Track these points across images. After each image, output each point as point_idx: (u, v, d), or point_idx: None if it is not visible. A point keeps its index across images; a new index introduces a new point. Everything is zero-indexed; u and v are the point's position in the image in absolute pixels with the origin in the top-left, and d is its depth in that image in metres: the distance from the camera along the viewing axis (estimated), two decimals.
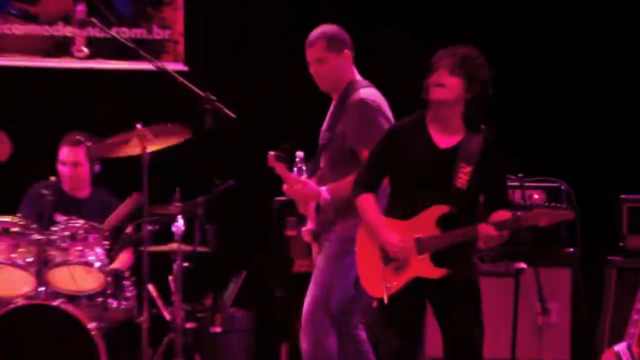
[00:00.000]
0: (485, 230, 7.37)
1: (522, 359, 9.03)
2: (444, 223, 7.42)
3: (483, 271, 8.92)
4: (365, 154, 8.03)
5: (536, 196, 9.34)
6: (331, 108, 8.59)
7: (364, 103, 8.26)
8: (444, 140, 7.51)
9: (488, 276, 8.91)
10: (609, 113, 10.96)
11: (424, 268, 7.47)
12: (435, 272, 7.45)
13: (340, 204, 7.99)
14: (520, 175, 9.18)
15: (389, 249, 7.47)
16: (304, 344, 8.43)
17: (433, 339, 8.86)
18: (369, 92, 8.35)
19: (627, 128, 10.92)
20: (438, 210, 7.43)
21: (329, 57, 8.36)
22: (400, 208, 7.59)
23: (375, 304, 7.92)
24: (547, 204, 8.17)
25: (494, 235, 7.38)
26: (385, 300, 7.53)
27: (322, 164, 8.54)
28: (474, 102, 7.54)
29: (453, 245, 7.46)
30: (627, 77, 10.99)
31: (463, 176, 7.46)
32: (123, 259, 9.91)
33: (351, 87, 8.43)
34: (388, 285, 7.53)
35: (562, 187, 9.36)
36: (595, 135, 10.95)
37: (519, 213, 7.61)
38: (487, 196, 7.63)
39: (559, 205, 7.95)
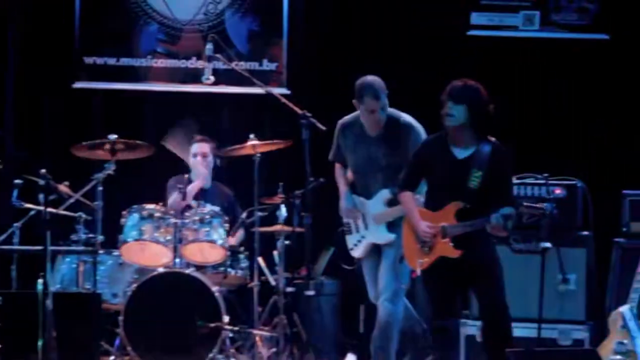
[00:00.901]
0: (494, 228, 7.85)
1: (546, 318, 9.03)
2: (460, 215, 7.94)
3: (517, 250, 9.30)
4: None
5: (558, 191, 9.36)
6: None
7: (414, 126, 8.88)
8: (461, 152, 8.03)
9: (521, 253, 9.30)
10: (614, 119, 10.86)
11: (446, 249, 7.98)
12: (455, 253, 7.95)
13: None
14: (545, 174, 9.31)
15: (419, 233, 8.05)
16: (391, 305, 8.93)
17: None
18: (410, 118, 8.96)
19: (628, 133, 10.76)
20: (456, 206, 7.97)
21: (385, 104, 8.88)
22: (432, 203, 8.13)
23: (414, 274, 8.31)
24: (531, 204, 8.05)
25: (498, 227, 7.86)
26: (418, 272, 8.07)
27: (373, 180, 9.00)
28: (482, 120, 8.02)
29: (468, 233, 7.93)
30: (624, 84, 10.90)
31: (475, 179, 7.96)
32: (238, 238, 10.29)
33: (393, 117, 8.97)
34: (420, 261, 8.06)
35: (579, 185, 9.44)
36: (604, 141, 10.76)
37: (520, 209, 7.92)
38: (494, 195, 7.94)
39: (536, 205, 8.03)
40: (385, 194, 8.94)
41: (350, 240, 9.28)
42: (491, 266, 8.16)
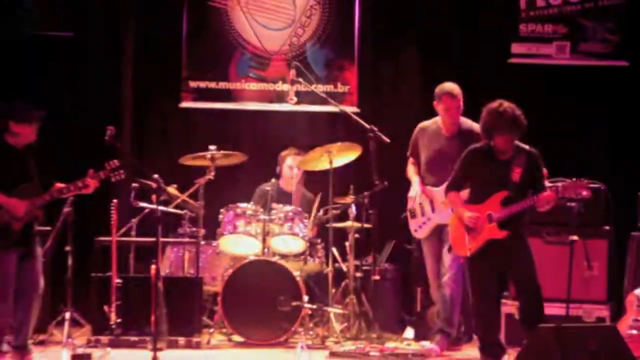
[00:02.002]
0: (546, 197, 8.03)
1: (574, 298, 8.95)
2: (505, 202, 8.08)
3: (549, 241, 9.35)
4: None
5: (585, 193, 8.67)
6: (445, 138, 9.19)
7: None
8: (501, 156, 8.21)
9: (553, 244, 9.36)
10: (635, 132, 10.79)
11: (493, 232, 8.10)
12: (501, 233, 8.09)
13: None
14: (574, 178, 8.70)
15: (468, 221, 8.14)
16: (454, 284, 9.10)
17: None
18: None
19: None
20: (502, 194, 8.10)
21: (460, 105, 9.09)
22: (476, 198, 8.26)
23: (462, 260, 8.52)
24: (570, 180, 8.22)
25: (553, 199, 8.05)
26: (468, 254, 8.18)
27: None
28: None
29: (511, 216, 8.07)
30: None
31: (516, 175, 8.13)
32: (315, 231, 10.22)
33: (465, 122, 9.17)
34: (469, 246, 8.17)
35: (602, 188, 9.49)
36: (623, 151, 10.74)
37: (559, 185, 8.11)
38: (533, 186, 8.13)
39: (578, 180, 8.16)
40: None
41: (414, 223, 9.35)
42: (526, 251, 8.24)
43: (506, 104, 8.22)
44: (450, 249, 8.71)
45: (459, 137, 9.17)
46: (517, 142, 8.29)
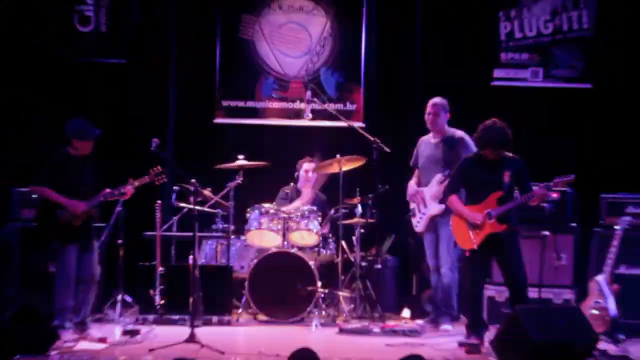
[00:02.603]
0: (538, 193, 8.05)
1: (545, 283, 9.08)
2: (500, 201, 8.08)
3: (525, 236, 8.93)
4: None
5: (554, 195, 9.23)
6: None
7: (464, 138, 9.08)
8: (491, 163, 8.19)
9: (528, 238, 9.13)
10: (597, 143, 10.71)
11: (494, 226, 8.09)
12: (501, 227, 8.08)
13: None
14: (545, 182, 8.69)
15: (472, 220, 8.14)
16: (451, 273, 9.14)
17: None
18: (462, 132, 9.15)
19: (605, 154, 10.64)
20: (497, 194, 8.11)
21: (441, 114, 9.18)
22: (473, 199, 8.24)
23: (467, 253, 8.41)
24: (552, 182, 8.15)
25: (544, 194, 8.06)
26: (475, 247, 8.17)
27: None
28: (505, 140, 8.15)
29: (507, 212, 8.08)
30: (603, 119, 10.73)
31: (507, 177, 8.12)
32: (327, 227, 10.14)
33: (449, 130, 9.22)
34: (474, 240, 8.16)
35: (569, 190, 9.45)
36: (588, 158, 10.63)
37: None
38: (520, 187, 8.16)
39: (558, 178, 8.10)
40: (439, 176, 9.11)
41: (414, 220, 9.35)
42: (517, 244, 8.25)
43: (498, 123, 8.24)
44: (455, 244, 8.75)
45: (444, 143, 9.24)
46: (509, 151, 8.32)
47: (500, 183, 8.19)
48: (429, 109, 9.24)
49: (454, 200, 8.44)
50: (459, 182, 8.49)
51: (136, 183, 8.66)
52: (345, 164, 9.85)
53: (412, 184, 9.41)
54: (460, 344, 8.25)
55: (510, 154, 8.32)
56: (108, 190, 8.59)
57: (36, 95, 11.02)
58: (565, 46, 10.91)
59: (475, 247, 8.24)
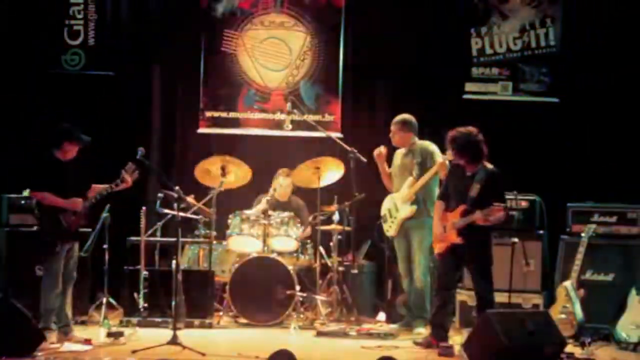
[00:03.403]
0: (476, 216, 7.92)
1: (515, 288, 8.85)
2: (464, 214, 8.01)
3: (496, 242, 8.80)
4: None
5: (523, 203, 9.36)
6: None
7: (429, 146, 9.08)
8: (467, 173, 8.13)
9: (499, 245, 8.90)
10: (565, 154, 10.63)
11: (453, 237, 8.06)
12: (457, 240, 8.04)
13: None
14: (514, 192, 9.19)
15: (435, 230, 8.25)
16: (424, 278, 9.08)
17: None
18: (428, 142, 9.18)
19: (570, 164, 10.58)
20: (462, 207, 8.04)
21: (402, 131, 9.20)
22: (450, 206, 8.21)
23: (438, 257, 8.38)
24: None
25: (478, 218, 7.92)
26: (438, 254, 8.25)
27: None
28: (477, 153, 8.10)
29: (468, 226, 8.00)
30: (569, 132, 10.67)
31: (474, 191, 8.02)
32: (306, 233, 10.06)
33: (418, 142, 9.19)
34: (438, 247, 8.23)
35: (537, 199, 9.47)
36: (555, 169, 10.54)
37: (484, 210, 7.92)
38: (487, 201, 7.98)
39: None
40: (409, 180, 9.07)
41: (386, 225, 9.31)
42: (481, 252, 8.14)
43: (474, 133, 8.17)
44: (432, 250, 8.74)
45: (410, 153, 9.23)
46: (484, 162, 8.18)
47: (465, 195, 8.12)
48: (394, 126, 9.29)
49: (437, 205, 8.42)
50: (445, 188, 8.44)
51: (113, 186, 8.49)
52: (324, 171, 9.82)
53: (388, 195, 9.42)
54: (416, 343, 8.35)
55: (489, 166, 8.21)
56: (99, 186, 8.47)
57: (25, 104, 10.93)
58: (533, 62, 10.86)
59: (438, 253, 8.27)
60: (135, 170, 8.54)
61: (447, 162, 8.71)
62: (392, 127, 9.28)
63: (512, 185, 9.38)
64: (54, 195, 8.25)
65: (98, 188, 8.49)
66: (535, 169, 10.54)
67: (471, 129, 8.21)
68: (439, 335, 8.24)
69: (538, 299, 9.35)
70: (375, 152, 9.34)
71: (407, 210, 9.11)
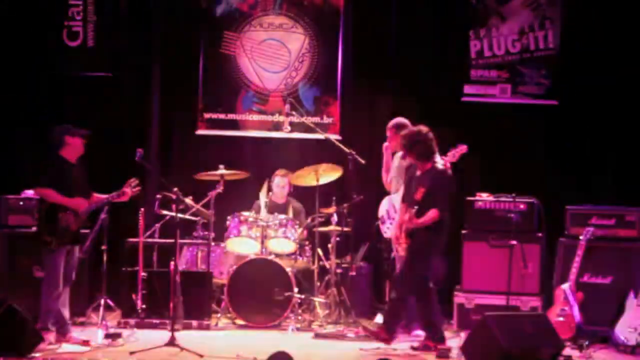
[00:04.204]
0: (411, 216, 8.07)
1: (513, 291, 9.01)
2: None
3: (494, 245, 9.25)
4: None
5: (522, 206, 9.33)
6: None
7: None
8: (418, 174, 8.19)
9: (496, 248, 9.25)
10: (564, 157, 10.56)
11: (404, 240, 8.19)
12: (407, 241, 8.17)
13: None
14: (513, 194, 9.34)
15: (392, 232, 8.45)
16: None
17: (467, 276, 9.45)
18: None
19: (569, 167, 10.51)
20: (410, 210, 8.12)
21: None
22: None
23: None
24: None
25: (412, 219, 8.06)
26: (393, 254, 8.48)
27: None
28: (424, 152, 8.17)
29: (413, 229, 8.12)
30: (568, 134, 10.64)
31: (418, 194, 8.08)
32: (303, 235, 10.00)
33: None
34: (399, 248, 8.35)
35: (535, 202, 9.41)
36: (553, 172, 10.47)
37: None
38: (430, 203, 8.08)
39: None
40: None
41: (383, 227, 9.30)
42: (413, 257, 8.19)
43: (423, 131, 8.22)
44: None
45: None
46: (435, 162, 8.20)
47: (413, 197, 8.18)
48: (388, 131, 9.27)
49: (400, 207, 8.45)
50: (406, 189, 8.49)
51: (114, 196, 8.61)
52: (322, 175, 9.79)
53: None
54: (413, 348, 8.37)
55: (439, 166, 8.23)
56: (100, 196, 8.56)
57: (25, 105, 10.92)
58: (532, 64, 10.82)
59: (401, 254, 8.36)
60: (138, 186, 8.62)
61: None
62: (388, 132, 9.28)
63: (510, 187, 9.55)
64: (57, 193, 8.26)
65: (99, 198, 8.54)
66: (534, 172, 10.52)
67: (421, 127, 8.27)
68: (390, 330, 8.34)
69: (536, 302, 9.32)
70: (385, 144, 9.35)
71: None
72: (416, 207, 8.01)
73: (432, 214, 8.05)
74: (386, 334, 8.34)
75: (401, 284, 8.24)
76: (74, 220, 8.38)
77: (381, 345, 8.47)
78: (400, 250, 8.38)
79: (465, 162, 9.05)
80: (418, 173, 8.28)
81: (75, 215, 8.37)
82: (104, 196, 8.59)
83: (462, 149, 8.56)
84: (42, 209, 8.42)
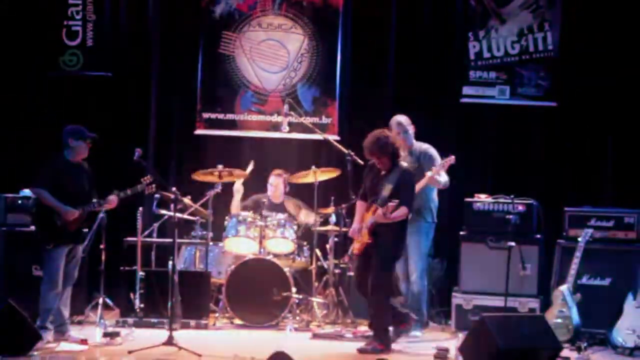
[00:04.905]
0: (377, 214, 8.09)
1: (511, 292, 8.94)
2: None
3: (492, 247, 9.31)
4: None
5: (520, 207, 9.34)
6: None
7: (429, 150, 9.13)
8: (381, 172, 8.26)
9: (495, 249, 9.29)
10: (563, 159, 10.56)
11: (366, 237, 8.22)
12: (369, 239, 8.20)
13: None
14: (512, 196, 9.39)
15: (350, 232, 8.45)
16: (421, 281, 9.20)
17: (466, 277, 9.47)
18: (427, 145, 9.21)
19: (568, 168, 10.53)
20: (375, 208, 8.13)
21: (405, 130, 9.24)
22: (368, 207, 8.35)
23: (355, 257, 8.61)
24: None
25: (378, 216, 8.09)
26: (355, 253, 8.46)
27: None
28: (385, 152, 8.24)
29: (377, 225, 8.15)
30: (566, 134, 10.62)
31: (386, 191, 8.11)
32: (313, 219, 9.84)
33: (421, 145, 9.22)
34: (355, 247, 8.44)
35: (534, 203, 9.43)
36: (551, 173, 10.51)
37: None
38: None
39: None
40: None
41: None
42: (378, 256, 8.22)
43: (384, 133, 8.41)
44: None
45: (412, 156, 9.23)
46: (400, 161, 8.35)
47: (379, 195, 8.19)
48: (396, 128, 9.23)
49: (358, 206, 8.52)
50: (363, 188, 8.52)
51: (129, 191, 8.61)
52: (321, 175, 9.80)
53: None
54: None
55: (404, 164, 8.35)
56: (95, 201, 8.55)
57: (24, 105, 10.93)
58: (531, 66, 10.80)
59: (355, 252, 8.43)
60: (152, 183, 8.71)
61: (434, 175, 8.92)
62: (400, 128, 9.26)
63: (509, 189, 9.59)
64: (50, 196, 8.27)
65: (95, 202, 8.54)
66: (532, 173, 10.52)
67: (381, 130, 8.43)
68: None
69: (534, 303, 9.30)
70: None
71: (400, 212, 8.88)
72: (391, 203, 8.00)
73: (404, 210, 8.13)
74: (380, 344, 8.30)
75: (375, 289, 8.21)
76: (71, 222, 8.38)
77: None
78: (356, 249, 8.40)
79: (463, 163, 9.05)
80: (382, 172, 8.33)
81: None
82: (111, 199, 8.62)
83: (451, 159, 8.76)
84: (37, 209, 8.44)
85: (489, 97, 10.88)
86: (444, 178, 9.04)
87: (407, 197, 8.22)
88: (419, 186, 8.82)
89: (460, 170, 9.53)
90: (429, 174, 8.83)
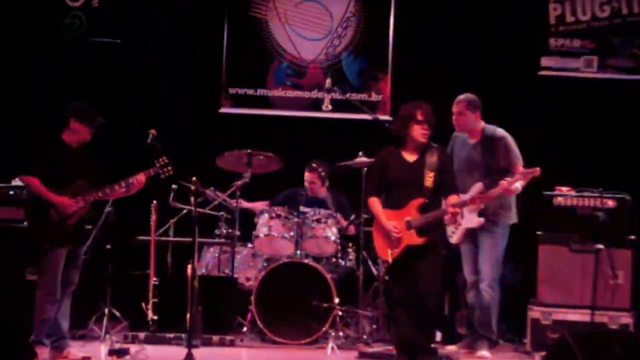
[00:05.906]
0: (449, 210, 7.91)
1: (599, 305, 8.94)
2: (422, 209, 7.91)
3: (575, 250, 9.21)
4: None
5: (610, 203, 9.28)
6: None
7: (505, 136, 9.01)
8: (411, 158, 8.04)
9: (579, 253, 9.20)
10: None
11: (412, 238, 7.90)
12: (420, 240, 7.89)
13: None
14: (600, 188, 9.31)
15: (390, 231, 7.92)
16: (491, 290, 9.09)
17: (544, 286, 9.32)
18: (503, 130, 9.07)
19: None
20: (418, 201, 7.93)
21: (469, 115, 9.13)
22: (393, 202, 8.04)
23: (386, 264, 8.26)
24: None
25: (453, 212, 7.95)
26: (390, 260, 7.98)
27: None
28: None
29: (428, 223, 7.90)
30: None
31: (429, 180, 7.92)
32: (352, 230, 9.93)
33: (489, 128, 9.12)
34: (391, 251, 7.97)
35: (627, 198, 9.35)
36: None
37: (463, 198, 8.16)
38: (443, 189, 7.98)
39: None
40: (479, 186, 8.95)
41: (448, 230, 9.22)
42: (433, 261, 8.01)
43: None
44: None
45: (481, 144, 9.16)
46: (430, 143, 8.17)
47: (420, 186, 8.00)
48: (453, 107, 9.22)
49: (374, 203, 8.23)
50: (378, 181, 8.26)
51: (151, 171, 8.51)
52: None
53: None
54: None
55: (435, 144, 8.16)
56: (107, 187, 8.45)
57: (24, 106, 11.03)
58: (624, 32, 10.80)
59: (390, 259, 8.08)
60: (167, 165, 8.54)
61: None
62: (456, 107, 9.19)
63: (596, 181, 9.55)
64: (41, 184, 8.26)
65: (112, 189, 8.46)
66: (625, 162, 10.52)
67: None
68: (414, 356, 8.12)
69: (627, 318, 9.25)
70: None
71: (473, 221, 9.03)
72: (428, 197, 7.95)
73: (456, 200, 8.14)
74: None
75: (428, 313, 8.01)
76: (70, 215, 8.35)
77: None
78: (390, 255, 8.08)
79: (541, 150, 8.96)
80: (410, 159, 8.13)
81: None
82: (118, 187, 8.50)
83: (535, 171, 8.44)
84: (28, 202, 8.46)
85: (572, 70, 10.92)
86: (519, 186, 8.90)
87: (455, 182, 8.28)
88: (490, 197, 8.75)
89: (536, 158, 9.38)
90: (503, 183, 8.64)
